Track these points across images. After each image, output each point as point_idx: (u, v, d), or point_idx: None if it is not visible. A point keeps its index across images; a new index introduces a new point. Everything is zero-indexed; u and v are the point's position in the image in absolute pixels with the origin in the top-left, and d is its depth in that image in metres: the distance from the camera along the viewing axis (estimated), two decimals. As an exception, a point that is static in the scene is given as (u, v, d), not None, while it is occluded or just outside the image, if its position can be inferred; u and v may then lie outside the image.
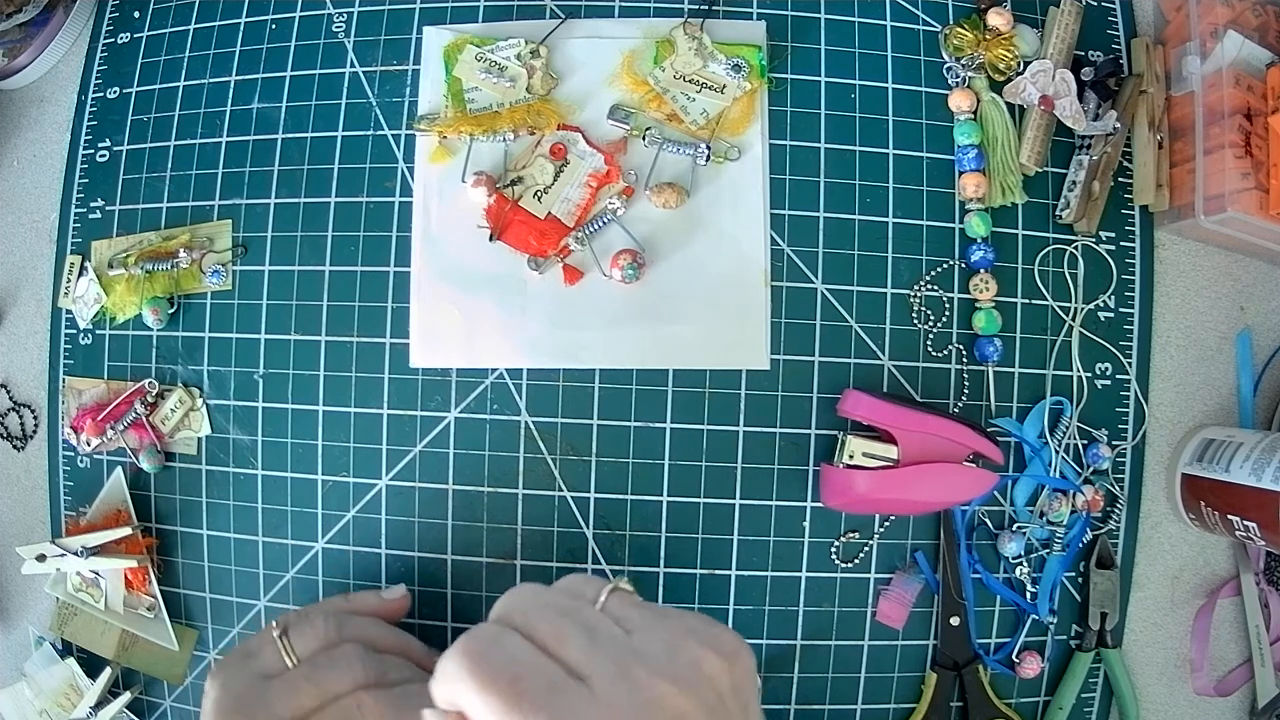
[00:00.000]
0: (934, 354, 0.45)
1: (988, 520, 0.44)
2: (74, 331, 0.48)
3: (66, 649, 0.48)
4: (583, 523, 0.44)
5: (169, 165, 0.48)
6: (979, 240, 0.44)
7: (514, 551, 0.44)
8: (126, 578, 0.45)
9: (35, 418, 0.49)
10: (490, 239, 0.44)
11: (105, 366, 0.47)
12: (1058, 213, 0.45)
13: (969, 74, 0.45)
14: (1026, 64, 0.45)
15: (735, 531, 0.44)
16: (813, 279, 0.44)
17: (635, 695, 0.26)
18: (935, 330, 0.45)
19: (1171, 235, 0.46)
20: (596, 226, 0.44)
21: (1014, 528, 0.44)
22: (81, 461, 0.48)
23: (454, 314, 0.44)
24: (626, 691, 0.26)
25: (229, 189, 0.47)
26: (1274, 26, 0.44)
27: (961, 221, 0.45)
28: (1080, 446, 0.45)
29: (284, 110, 0.47)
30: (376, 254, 0.45)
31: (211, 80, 0.48)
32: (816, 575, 0.44)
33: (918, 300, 0.45)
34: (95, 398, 0.47)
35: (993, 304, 0.44)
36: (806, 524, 0.44)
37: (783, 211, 0.44)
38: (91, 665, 0.47)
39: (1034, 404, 0.44)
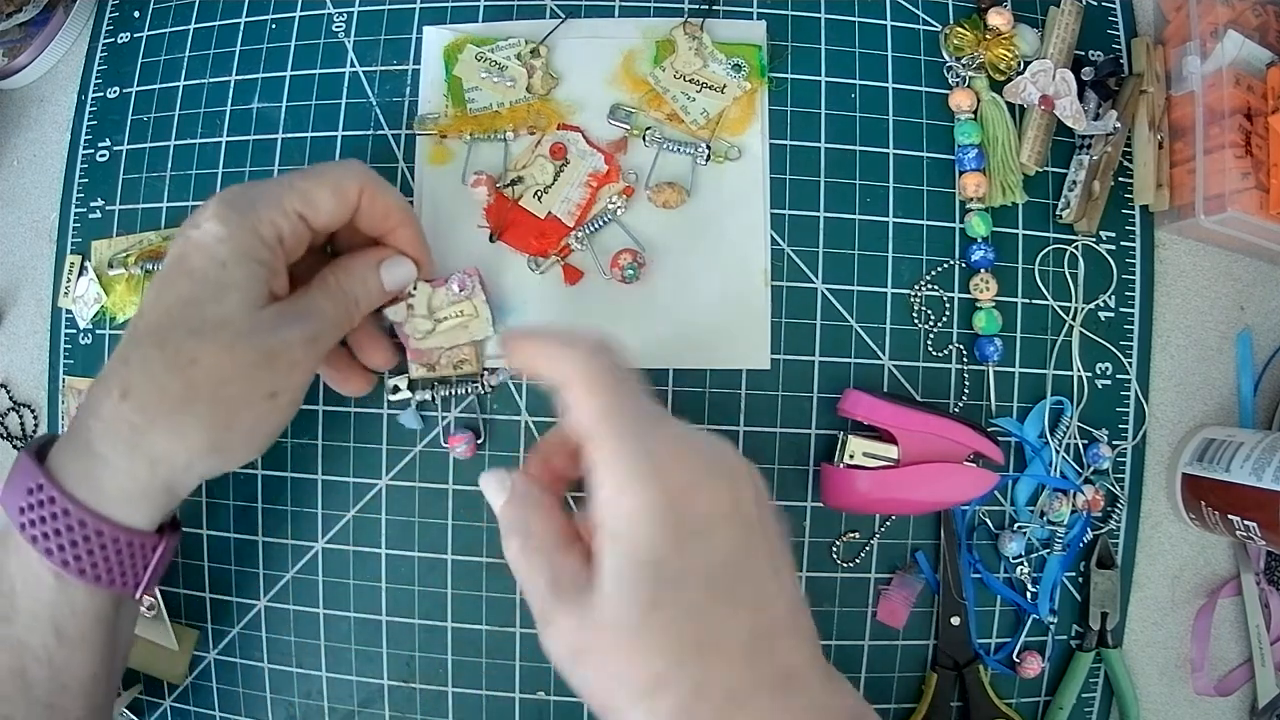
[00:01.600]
0: (934, 354, 0.45)
1: (988, 520, 0.44)
2: (74, 331, 0.48)
3: (66, 649, 0.48)
4: (583, 523, 0.44)
5: (169, 165, 0.48)
6: (979, 240, 0.44)
7: (514, 551, 0.44)
8: (126, 578, 0.45)
9: (35, 418, 0.49)
10: (491, 239, 0.44)
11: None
12: (1058, 213, 0.45)
13: (969, 74, 0.45)
14: (1026, 64, 0.45)
15: (735, 531, 0.44)
16: (813, 279, 0.44)
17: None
18: (935, 330, 0.45)
19: (1171, 235, 0.46)
20: (596, 226, 0.44)
21: (1014, 528, 0.44)
22: (81, 461, 0.48)
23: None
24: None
25: (229, 189, 0.47)
26: (1274, 26, 0.44)
27: (962, 221, 0.45)
28: (1080, 446, 0.45)
29: (284, 110, 0.47)
30: (376, 254, 0.45)
31: (211, 80, 0.48)
32: (816, 575, 0.44)
33: (918, 300, 0.45)
34: (95, 398, 0.47)
35: (993, 304, 0.44)
36: (806, 524, 0.44)
37: (783, 211, 0.44)
38: (91, 665, 0.47)
39: (1034, 404, 0.44)
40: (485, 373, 0.43)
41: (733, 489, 0.29)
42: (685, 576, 0.27)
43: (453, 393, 0.43)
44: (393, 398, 0.43)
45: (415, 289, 0.40)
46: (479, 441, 0.43)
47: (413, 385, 0.43)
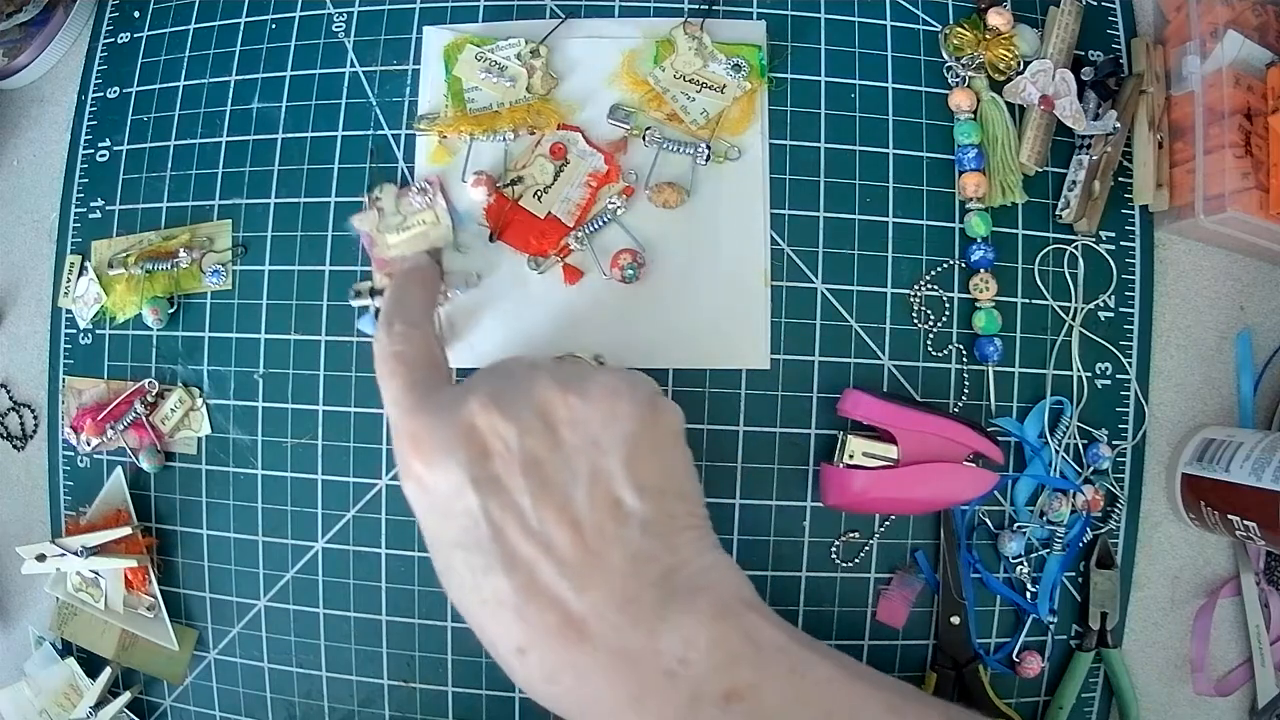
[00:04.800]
0: (934, 354, 0.45)
1: (988, 520, 0.44)
2: (74, 331, 0.48)
3: (66, 649, 0.48)
4: (583, 523, 0.44)
5: (169, 165, 0.48)
6: (979, 240, 0.44)
7: (514, 551, 0.44)
8: (126, 577, 0.45)
9: (35, 418, 0.49)
10: (490, 239, 0.44)
11: (105, 366, 0.47)
12: (1058, 212, 0.45)
13: (969, 74, 0.45)
14: (1026, 64, 0.45)
15: (735, 531, 0.44)
16: (813, 279, 0.44)
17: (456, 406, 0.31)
18: (935, 330, 0.45)
19: (1171, 235, 0.46)
20: (596, 226, 0.44)
21: (1014, 527, 0.44)
22: (81, 461, 0.48)
23: (454, 314, 0.44)
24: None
25: (229, 189, 0.47)
26: (1274, 26, 0.44)
27: (961, 221, 0.45)
28: (1080, 446, 0.45)
29: (284, 110, 0.47)
30: (376, 254, 0.45)
31: (211, 80, 0.48)
32: (816, 575, 0.44)
33: (918, 300, 0.45)
34: (95, 397, 0.47)
35: (993, 304, 0.44)
36: (806, 524, 0.44)
37: (783, 211, 0.44)
38: (91, 665, 0.47)
39: (1034, 404, 0.44)
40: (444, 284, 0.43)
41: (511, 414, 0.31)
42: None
43: None
44: (354, 302, 0.44)
45: (382, 193, 0.43)
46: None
47: (374, 292, 0.44)
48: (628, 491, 0.30)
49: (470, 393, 0.31)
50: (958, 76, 0.46)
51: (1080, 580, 0.45)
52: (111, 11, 0.51)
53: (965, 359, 0.45)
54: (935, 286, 0.45)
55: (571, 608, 0.28)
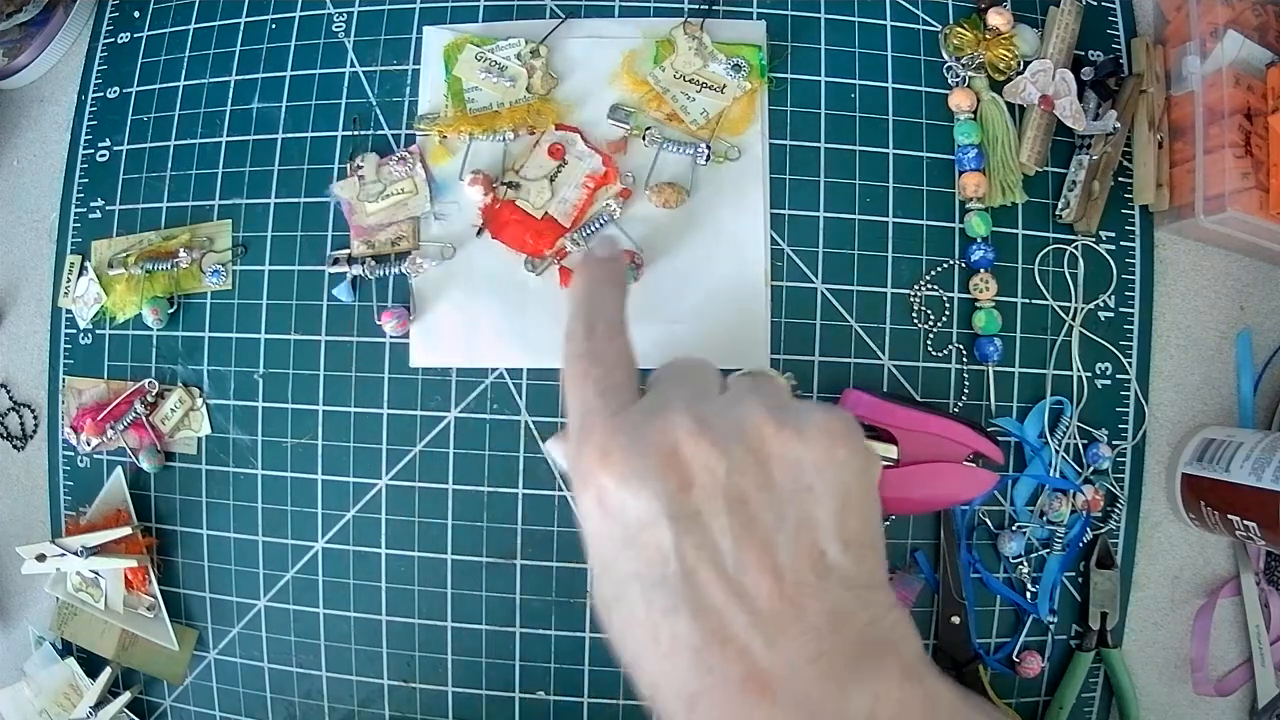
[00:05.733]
0: (934, 354, 0.45)
1: (988, 520, 0.44)
2: (74, 331, 0.48)
3: (66, 649, 0.48)
4: (583, 523, 0.44)
5: (169, 165, 0.48)
6: (979, 240, 0.44)
7: (514, 551, 0.44)
8: (126, 577, 0.45)
9: (35, 418, 0.49)
10: (478, 234, 0.44)
11: (105, 366, 0.47)
12: (1058, 212, 0.45)
13: (969, 74, 0.45)
14: (1026, 63, 0.45)
15: (735, 531, 0.44)
16: (813, 279, 0.44)
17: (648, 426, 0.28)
18: (935, 330, 0.45)
19: (1171, 235, 0.46)
20: (594, 228, 0.44)
21: (1014, 527, 0.44)
22: (81, 461, 0.48)
23: (454, 314, 0.44)
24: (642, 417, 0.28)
25: (229, 189, 0.47)
26: (1274, 26, 0.44)
27: (961, 221, 0.45)
28: (1080, 446, 0.45)
29: (284, 110, 0.47)
30: (376, 254, 0.45)
31: (211, 80, 0.48)
32: (816, 575, 0.44)
33: (918, 300, 0.45)
34: (95, 397, 0.47)
35: (993, 304, 0.44)
36: (806, 524, 0.44)
37: (783, 211, 0.44)
38: (91, 665, 0.47)
39: (1034, 404, 0.44)
40: (418, 253, 0.44)
41: (716, 438, 0.28)
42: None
43: (390, 271, 0.44)
44: (331, 270, 0.45)
45: (364, 160, 0.44)
46: (410, 318, 0.44)
47: (351, 260, 0.44)
48: (834, 544, 0.27)
49: (669, 410, 0.28)
50: (958, 76, 0.46)
51: (1080, 580, 0.45)
52: (111, 11, 0.51)
53: (965, 359, 0.45)
54: (935, 286, 0.45)
55: (760, 660, 0.26)
